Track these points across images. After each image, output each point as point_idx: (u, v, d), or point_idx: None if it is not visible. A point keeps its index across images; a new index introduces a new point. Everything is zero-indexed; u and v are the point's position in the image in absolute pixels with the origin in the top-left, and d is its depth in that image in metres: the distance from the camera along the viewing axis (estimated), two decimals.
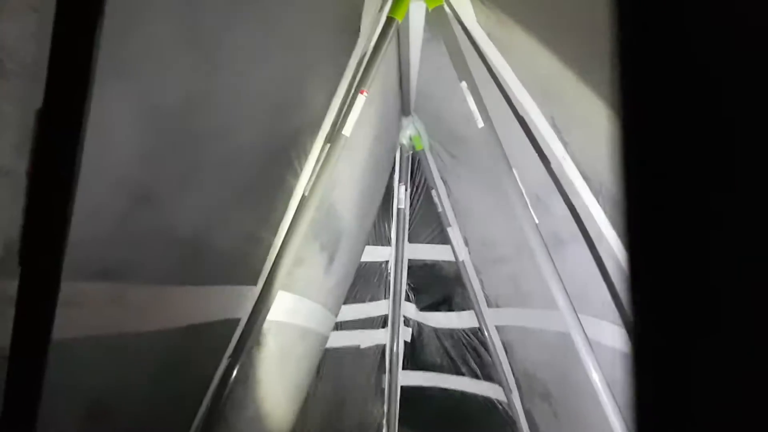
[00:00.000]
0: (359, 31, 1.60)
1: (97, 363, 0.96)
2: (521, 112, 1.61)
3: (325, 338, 2.36)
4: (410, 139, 2.64)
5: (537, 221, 1.60)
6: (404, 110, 2.48)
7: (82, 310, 0.87)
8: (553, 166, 1.57)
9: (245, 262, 1.46)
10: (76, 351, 0.86)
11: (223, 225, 1.27)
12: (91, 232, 0.82)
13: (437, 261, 2.80)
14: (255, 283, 1.50)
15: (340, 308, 2.52)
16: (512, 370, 2.52)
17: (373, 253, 2.75)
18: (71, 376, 0.85)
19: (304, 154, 1.56)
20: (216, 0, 0.98)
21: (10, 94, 0.61)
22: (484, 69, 1.66)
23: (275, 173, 1.47)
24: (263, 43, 1.17)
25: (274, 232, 1.52)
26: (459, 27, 1.68)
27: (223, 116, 1.12)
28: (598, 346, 1.54)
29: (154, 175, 0.98)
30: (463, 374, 2.74)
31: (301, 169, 1.56)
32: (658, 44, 0.39)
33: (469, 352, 2.71)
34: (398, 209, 2.78)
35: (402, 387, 2.85)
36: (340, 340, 2.60)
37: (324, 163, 1.60)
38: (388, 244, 2.80)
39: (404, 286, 2.84)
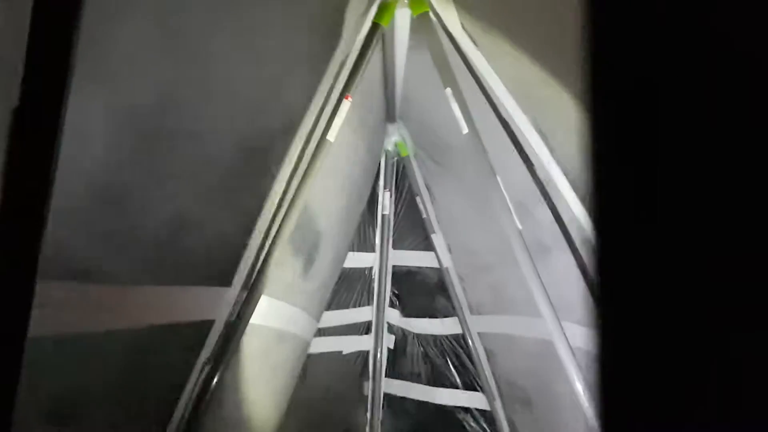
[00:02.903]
0: (341, 35, 1.60)
1: (65, 363, 0.95)
2: (506, 118, 1.62)
3: (306, 342, 2.35)
4: (395, 145, 2.65)
5: (520, 227, 1.61)
6: (389, 116, 2.49)
7: (50, 310, 0.86)
8: (538, 170, 1.57)
9: (218, 263, 1.45)
10: (44, 350, 0.85)
11: (196, 226, 1.26)
12: (61, 231, 0.81)
13: (421, 267, 2.80)
14: (229, 285, 1.49)
15: (321, 313, 2.50)
16: (495, 377, 2.52)
17: (358, 259, 2.74)
18: (39, 375, 0.84)
19: (284, 157, 1.55)
20: (195, 2, 0.98)
21: None
22: (469, 75, 1.67)
23: (252, 176, 1.46)
24: (242, 46, 1.17)
25: (249, 234, 1.51)
26: (444, 34, 1.68)
27: (199, 118, 1.12)
28: (580, 352, 1.55)
29: (126, 175, 0.97)
30: (446, 381, 2.73)
31: (279, 172, 1.55)
32: (631, 53, 0.40)
33: (453, 359, 2.71)
34: (383, 215, 2.77)
35: (385, 393, 2.84)
36: (323, 345, 2.58)
37: (308, 167, 1.60)
38: (373, 250, 2.80)
39: (388, 292, 2.84)
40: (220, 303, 1.47)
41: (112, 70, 0.84)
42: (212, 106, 1.18)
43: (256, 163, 1.46)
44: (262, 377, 1.92)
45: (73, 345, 0.98)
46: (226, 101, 1.22)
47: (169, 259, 1.22)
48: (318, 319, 2.45)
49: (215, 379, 1.45)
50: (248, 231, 1.51)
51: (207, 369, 1.45)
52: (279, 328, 1.93)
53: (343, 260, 2.62)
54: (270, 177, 1.53)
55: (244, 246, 1.51)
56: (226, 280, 1.48)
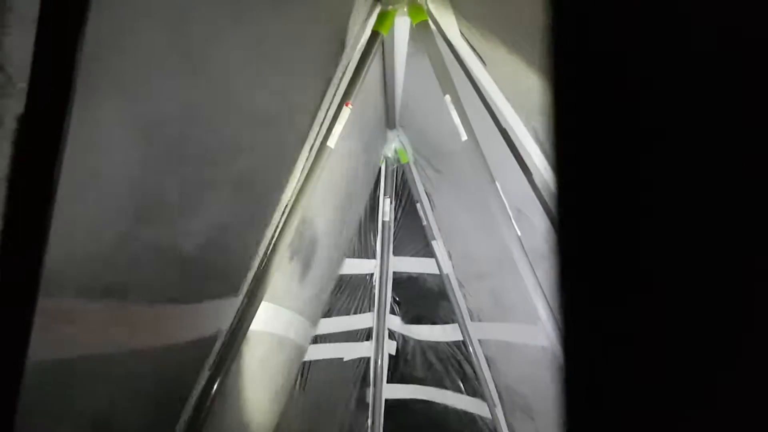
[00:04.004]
0: (345, 45, 1.61)
1: (88, 381, 0.94)
2: (504, 125, 1.63)
3: (303, 347, 2.35)
4: (395, 152, 2.65)
5: (519, 234, 1.61)
6: (389, 123, 2.50)
7: (76, 328, 0.86)
8: (536, 178, 1.58)
9: (232, 274, 1.45)
10: (68, 369, 0.84)
11: (216, 240, 1.26)
12: (88, 249, 0.81)
13: (422, 274, 2.81)
14: (237, 294, 1.50)
15: (318, 318, 2.51)
16: (495, 384, 2.52)
17: (358, 266, 2.74)
18: (62, 394, 0.83)
19: (291, 165, 1.56)
20: (205, 12, 0.99)
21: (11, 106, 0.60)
22: (468, 82, 1.68)
23: (265, 185, 1.47)
24: (252, 56, 1.18)
25: (261, 243, 1.52)
26: (443, 41, 1.70)
27: (214, 131, 1.12)
28: None
29: (145, 191, 0.97)
30: (447, 388, 2.73)
31: (288, 181, 1.56)
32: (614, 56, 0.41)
33: (453, 366, 2.71)
34: (383, 222, 2.78)
35: (386, 400, 2.83)
36: (324, 352, 2.58)
37: (308, 174, 1.60)
38: (373, 256, 2.80)
39: (389, 299, 2.84)
40: (229, 312, 1.48)
41: (130, 82, 0.85)
42: (228, 117, 1.18)
43: (269, 173, 1.47)
44: (263, 383, 1.92)
45: (95, 364, 0.97)
46: (242, 111, 1.23)
47: (190, 275, 1.22)
48: (315, 325, 2.45)
49: (215, 386, 1.45)
50: (259, 242, 1.52)
51: (212, 378, 1.45)
52: (280, 334, 1.94)
53: (340, 266, 2.63)
54: (281, 185, 1.54)
55: (255, 256, 1.51)
56: (235, 289, 1.49)
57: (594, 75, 0.40)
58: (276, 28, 1.25)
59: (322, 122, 1.65)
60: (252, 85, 1.22)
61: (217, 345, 1.46)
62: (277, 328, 1.90)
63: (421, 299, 2.82)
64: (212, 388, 1.45)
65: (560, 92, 0.41)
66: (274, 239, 1.58)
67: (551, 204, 1.58)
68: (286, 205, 1.58)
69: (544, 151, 1.54)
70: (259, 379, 1.88)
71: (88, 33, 0.59)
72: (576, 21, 0.41)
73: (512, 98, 1.60)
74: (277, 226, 1.58)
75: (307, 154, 1.62)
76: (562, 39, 0.41)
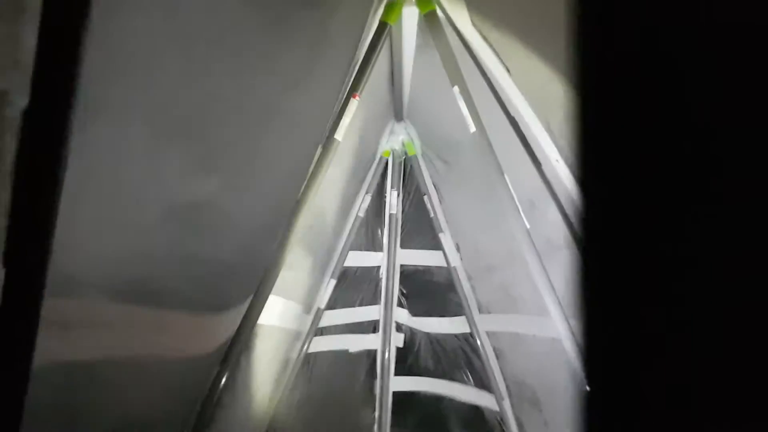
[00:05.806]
0: (360, 36, 1.60)
1: (108, 384, 0.93)
2: (514, 115, 1.61)
3: (299, 335, 2.35)
4: (403, 144, 2.64)
5: (528, 226, 1.60)
6: (397, 115, 2.48)
7: (98, 330, 0.84)
8: (546, 169, 1.57)
9: (250, 276, 1.45)
10: (87, 372, 0.84)
11: (245, 245, 1.25)
12: (115, 251, 0.80)
13: (429, 267, 2.80)
14: (253, 292, 1.49)
15: (312, 306, 2.50)
16: (503, 376, 2.52)
17: (365, 259, 2.74)
18: (78, 396, 0.82)
19: (308, 164, 1.55)
20: (213, 10, 0.97)
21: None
22: (478, 73, 1.66)
23: (286, 185, 1.46)
24: (267, 53, 1.15)
25: (275, 241, 1.51)
26: (452, 31, 1.68)
27: (236, 132, 1.10)
28: None
29: (177, 195, 0.95)
30: (455, 380, 2.73)
31: (298, 175, 1.55)
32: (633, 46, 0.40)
33: (461, 358, 2.71)
34: (390, 215, 2.77)
35: (393, 392, 2.83)
36: (330, 344, 2.59)
37: (316, 167, 1.60)
38: (381, 249, 2.79)
39: (396, 292, 2.83)
40: (242, 310, 1.48)
41: (148, 80, 0.83)
42: (244, 115, 1.16)
43: (289, 175, 1.46)
44: (271, 376, 1.92)
45: (112, 367, 0.96)
46: (258, 109, 1.21)
47: (220, 283, 1.21)
48: (309, 312, 2.44)
49: (227, 382, 1.45)
50: (283, 244, 1.52)
51: (221, 373, 1.45)
52: (287, 327, 1.95)
53: (336, 257, 2.61)
54: (298, 186, 1.53)
55: (270, 253, 1.51)
56: (250, 290, 1.49)
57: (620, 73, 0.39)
58: (289, 25, 1.23)
59: (330, 115, 1.64)
60: (268, 79, 1.20)
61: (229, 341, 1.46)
62: (286, 321, 1.91)
63: (428, 292, 2.81)
64: (221, 381, 1.45)
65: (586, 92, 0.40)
66: (285, 233, 1.58)
67: (563, 197, 1.56)
68: (296, 199, 1.58)
69: (555, 143, 1.53)
70: (269, 371, 1.89)
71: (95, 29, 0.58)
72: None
73: (525, 89, 1.58)
74: (289, 220, 1.57)
75: (318, 146, 1.61)
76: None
